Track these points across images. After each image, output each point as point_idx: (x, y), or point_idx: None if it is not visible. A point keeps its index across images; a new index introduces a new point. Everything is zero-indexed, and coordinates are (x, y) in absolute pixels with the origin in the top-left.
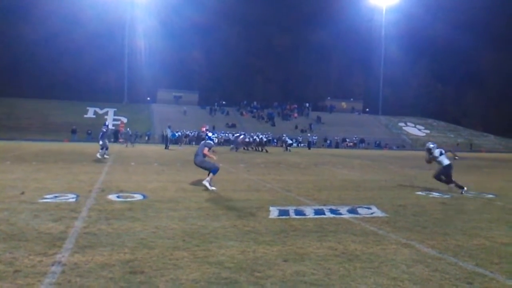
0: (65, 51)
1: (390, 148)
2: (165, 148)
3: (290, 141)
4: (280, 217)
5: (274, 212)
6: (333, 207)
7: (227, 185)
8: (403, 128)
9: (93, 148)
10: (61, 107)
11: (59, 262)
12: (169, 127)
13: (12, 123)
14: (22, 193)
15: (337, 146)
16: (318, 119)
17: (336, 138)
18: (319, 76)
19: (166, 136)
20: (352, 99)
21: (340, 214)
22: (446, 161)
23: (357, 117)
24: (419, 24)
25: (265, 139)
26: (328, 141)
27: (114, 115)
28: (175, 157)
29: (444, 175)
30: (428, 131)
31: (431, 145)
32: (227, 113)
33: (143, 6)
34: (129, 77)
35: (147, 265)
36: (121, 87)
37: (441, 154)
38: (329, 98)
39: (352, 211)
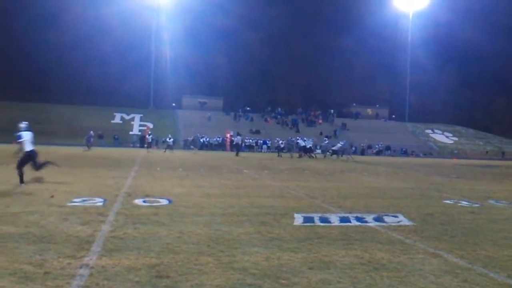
0: (92, 58)
1: (417, 156)
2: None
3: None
4: (305, 224)
5: (298, 219)
6: (359, 215)
7: (251, 191)
8: (430, 135)
9: (119, 152)
10: (88, 113)
11: (87, 265)
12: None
13: (41, 128)
14: (52, 196)
15: (362, 153)
16: (343, 125)
17: (362, 145)
18: (344, 82)
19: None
20: (377, 106)
21: (366, 222)
22: None
23: (382, 124)
24: (447, 29)
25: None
26: (354, 148)
27: (140, 120)
28: (199, 163)
29: None
30: (456, 139)
31: None
32: (251, 119)
33: (169, 14)
34: (155, 83)
35: (172, 270)
36: (147, 93)
37: None
38: (354, 104)
39: (378, 219)
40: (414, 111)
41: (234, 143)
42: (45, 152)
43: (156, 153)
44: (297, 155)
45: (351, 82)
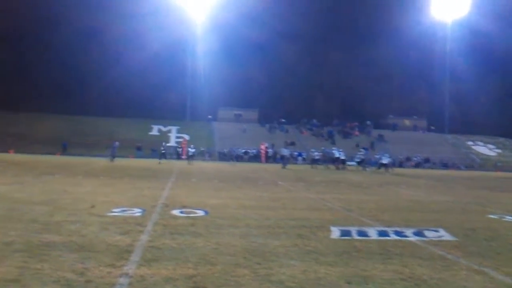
0: (131, 72)
1: (458, 168)
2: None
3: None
4: (342, 237)
5: (335, 232)
6: (398, 229)
7: (287, 204)
8: (472, 147)
9: (157, 164)
10: (126, 125)
11: (127, 274)
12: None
13: (81, 140)
14: (92, 206)
15: (400, 165)
16: (380, 137)
17: (400, 157)
18: (381, 92)
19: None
20: (415, 117)
21: (406, 236)
22: None
23: (421, 136)
24: (489, 37)
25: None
26: (392, 160)
27: (177, 132)
28: (235, 174)
29: None
30: (499, 151)
31: None
32: (287, 131)
33: (205, 27)
34: (191, 95)
35: (209, 281)
36: (184, 105)
37: None
38: (391, 115)
39: (419, 233)
40: (454, 122)
41: (280, 155)
42: (85, 163)
43: (192, 166)
44: (334, 167)
45: (388, 92)
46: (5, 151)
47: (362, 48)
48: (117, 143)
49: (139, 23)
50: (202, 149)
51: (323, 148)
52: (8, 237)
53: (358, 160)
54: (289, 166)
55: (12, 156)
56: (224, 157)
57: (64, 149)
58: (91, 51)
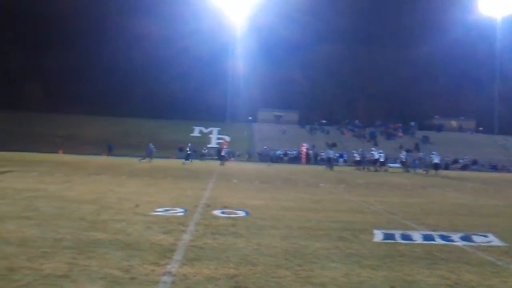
0: (172, 74)
1: (508, 171)
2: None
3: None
4: (385, 241)
5: (378, 236)
6: (444, 233)
7: (328, 206)
8: None
9: (198, 165)
10: (169, 126)
11: (170, 273)
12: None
13: (125, 141)
14: (136, 205)
15: (446, 168)
16: (425, 138)
17: (446, 159)
18: (426, 93)
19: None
20: (462, 117)
21: (452, 241)
22: None
23: (468, 137)
24: None
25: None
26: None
27: (218, 133)
28: (275, 176)
29: None
30: None
31: None
32: (327, 132)
33: (245, 29)
34: (231, 97)
35: (250, 282)
36: (224, 107)
37: None
38: (437, 116)
39: (466, 238)
40: (504, 123)
41: (327, 157)
42: (129, 163)
43: (233, 166)
44: (373, 168)
45: (433, 93)
46: (55, 151)
47: (406, 47)
48: (151, 144)
49: (180, 28)
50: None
51: (361, 149)
52: (58, 234)
53: (400, 161)
54: (319, 168)
55: (61, 156)
56: (263, 158)
57: (110, 150)
58: (135, 56)
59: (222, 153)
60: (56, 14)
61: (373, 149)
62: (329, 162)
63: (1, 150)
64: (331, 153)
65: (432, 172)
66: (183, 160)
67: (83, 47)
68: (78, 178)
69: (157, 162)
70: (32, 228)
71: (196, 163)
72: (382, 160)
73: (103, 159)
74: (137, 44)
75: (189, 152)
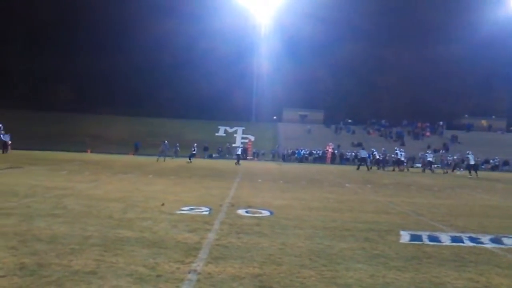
0: (198, 74)
1: None
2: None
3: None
4: (412, 242)
5: (405, 237)
6: (473, 235)
7: (353, 206)
8: None
9: (223, 164)
10: (194, 126)
11: (195, 271)
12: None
13: (152, 141)
14: (163, 204)
15: (476, 168)
16: (454, 138)
17: (477, 159)
18: (455, 91)
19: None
20: (493, 117)
21: (482, 243)
22: None
23: (499, 137)
24: None
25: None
26: (466, 163)
27: (243, 133)
28: (300, 175)
29: None
30: None
31: None
32: (353, 132)
33: (269, 28)
34: (256, 96)
35: (275, 281)
36: (249, 106)
37: None
38: (466, 115)
39: (496, 240)
40: None
41: (360, 157)
42: (155, 162)
43: (258, 166)
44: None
45: (463, 91)
46: (84, 151)
47: (435, 45)
48: (166, 142)
49: (205, 28)
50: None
51: (383, 149)
52: (86, 232)
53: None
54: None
55: (89, 155)
56: (287, 157)
57: (137, 149)
58: (161, 57)
59: (238, 152)
60: (85, 17)
61: (397, 148)
62: (364, 163)
63: (34, 149)
64: (365, 153)
65: (466, 173)
66: (187, 159)
67: (111, 49)
68: (106, 177)
69: (183, 161)
70: (61, 226)
71: (219, 163)
72: (403, 159)
73: (130, 158)
74: (163, 45)
75: (194, 151)
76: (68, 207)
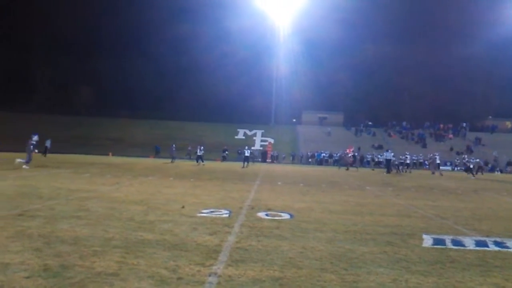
0: (217, 77)
1: None
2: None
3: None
4: (435, 246)
5: (428, 241)
6: (498, 239)
7: (374, 209)
8: None
9: (240, 167)
10: (214, 129)
11: (215, 273)
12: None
13: (171, 143)
14: (183, 207)
15: (501, 171)
16: (477, 140)
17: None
18: (478, 92)
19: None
20: None
21: (507, 247)
22: None
23: None
24: None
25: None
26: (490, 165)
27: (262, 136)
28: (320, 178)
29: None
30: None
31: None
32: (374, 134)
33: (288, 31)
34: (276, 99)
35: (295, 284)
36: (269, 109)
37: None
38: (490, 117)
39: None
40: None
41: (385, 159)
42: (176, 165)
43: (277, 168)
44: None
45: (486, 92)
46: (105, 154)
47: (456, 45)
48: (174, 145)
49: (225, 31)
50: (284, 155)
51: (389, 150)
52: (108, 234)
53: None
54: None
55: (111, 158)
56: (307, 160)
57: (157, 152)
58: (180, 60)
59: (246, 154)
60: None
61: (407, 153)
62: (388, 165)
63: (57, 152)
64: (389, 155)
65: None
66: (196, 161)
67: (131, 53)
68: (127, 180)
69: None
70: (84, 228)
71: (238, 165)
72: (408, 162)
73: (151, 161)
74: (182, 48)
75: (199, 154)
76: (90, 209)
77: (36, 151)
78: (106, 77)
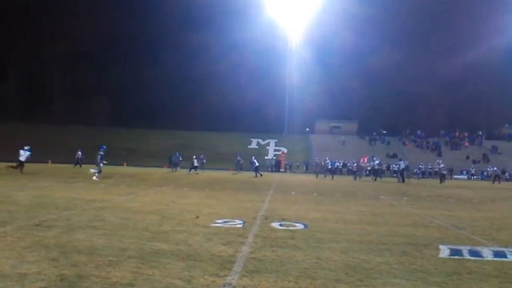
0: (230, 87)
1: None
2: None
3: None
4: (452, 257)
5: (444, 251)
6: None
7: (390, 219)
8: None
9: (250, 177)
10: (227, 139)
11: (230, 284)
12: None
13: (185, 154)
14: (197, 217)
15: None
16: (494, 148)
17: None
18: (494, 100)
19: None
20: None
21: None
22: None
23: None
24: None
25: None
26: (508, 174)
27: (275, 145)
28: (334, 188)
29: None
30: None
31: None
32: (388, 143)
33: (301, 39)
34: (289, 108)
35: None
36: (282, 118)
37: None
38: (506, 125)
39: None
40: None
41: (399, 168)
42: (190, 175)
43: (290, 178)
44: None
45: (503, 100)
46: (120, 164)
47: (472, 52)
48: (177, 153)
49: (237, 41)
50: (298, 163)
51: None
52: (123, 244)
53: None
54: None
55: (125, 168)
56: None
57: (171, 163)
58: (193, 70)
59: (256, 164)
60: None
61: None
62: (401, 174)
63: (72, 163)
64: (403, 164)
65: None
66: (191, 171)
67: (144, 64)
68: (142, 190)
69: (216, 174)
70: (100, 238)
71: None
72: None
73: (165, 171)
74: (196, 59)
75: (195, 163)
76: (106, 220)
77: (105, 162)
78: (121, 88)
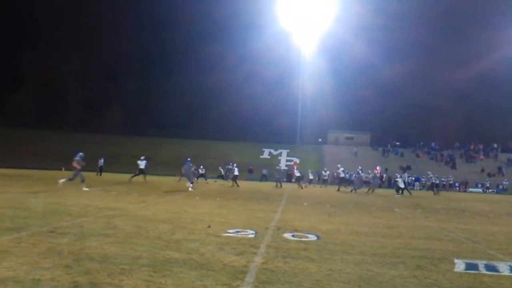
0: (243, 97)
1: None
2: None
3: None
4: (468, 271)
5: (460, 265)
6: None
7: (404, 232)
8: None
9: (268, 186)
10: (239, 148)
11: None
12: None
13: (197, 163)
14: (209, 226)
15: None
16: (509, 161)
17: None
18: (509, 112)
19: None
20: None
21: None
22: None
23: None
24: None
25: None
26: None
27: (287, 156)
28: (347, 199)
29: None
30: None
31: None
32: (401, 155)
33: (314, 50)
34: (301, 119)
35: None
36: (294, 129)
37: None
38: None
39: None
40: None
41: (433, 183)
42: (201, 184)
43: (302, 189)
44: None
45: None
46: (133, 172)
47: (487, 63)
48: (189, 160)
49: (250, 51)
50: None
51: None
52: (136, 252)
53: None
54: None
55: (138, 177)
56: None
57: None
58: (206, 80)
59: (264, 173)
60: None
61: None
62: (435, 186)
63: (85, 170)
64: (405, 177)
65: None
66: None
67: (158, 73)
68: (154, 198)
69: (228, 183)
70: (112, 245)
71: (264, 185)
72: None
73: (177, 180)
74: (209, 69)
75: (199, 171)
76: (118, 227)
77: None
78: (135, 97)
